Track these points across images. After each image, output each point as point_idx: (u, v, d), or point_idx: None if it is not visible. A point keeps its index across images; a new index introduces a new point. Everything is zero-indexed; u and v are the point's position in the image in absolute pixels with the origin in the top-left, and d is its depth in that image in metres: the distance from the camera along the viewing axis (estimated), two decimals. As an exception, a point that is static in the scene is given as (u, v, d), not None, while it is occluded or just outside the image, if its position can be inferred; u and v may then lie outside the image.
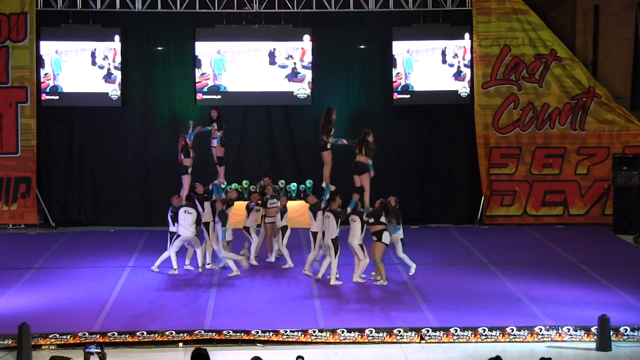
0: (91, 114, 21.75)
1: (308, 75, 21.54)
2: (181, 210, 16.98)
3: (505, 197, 21.95)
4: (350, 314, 14.66)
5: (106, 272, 17.21)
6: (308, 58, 21.49)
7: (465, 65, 21.70)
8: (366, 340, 13.61)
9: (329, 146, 17.50)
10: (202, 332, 13.60)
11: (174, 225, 17.22)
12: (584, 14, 22.17)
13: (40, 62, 21.18)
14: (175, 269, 17.16)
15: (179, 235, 17.01)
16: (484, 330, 13.70)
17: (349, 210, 16.45)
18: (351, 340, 13.61)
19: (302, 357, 10.43)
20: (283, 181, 21.76)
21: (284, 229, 17.96)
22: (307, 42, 21.46)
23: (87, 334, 13.39)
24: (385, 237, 16.26)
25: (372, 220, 16.25)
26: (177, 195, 17.71)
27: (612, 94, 21.88)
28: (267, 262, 18.04)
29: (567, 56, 21.81)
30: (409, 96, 21.77)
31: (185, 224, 16.93)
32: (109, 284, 16.36)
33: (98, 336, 13.32)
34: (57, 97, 21.33)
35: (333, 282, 16.38)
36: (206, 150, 19.15)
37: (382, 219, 16.26)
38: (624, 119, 21.81)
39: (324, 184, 17.46)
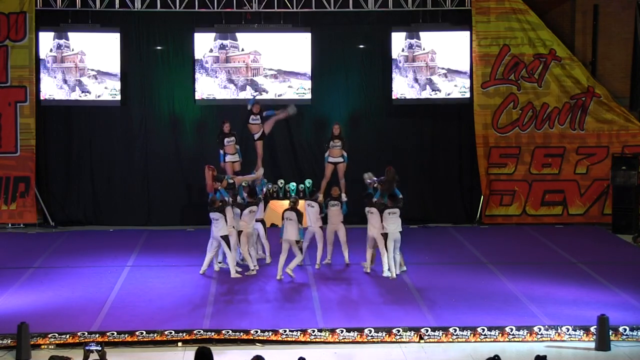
0: (90, 113, 21.74)
1: (307, 74, 21.53)
2: (210, 214, 16.87)
3: (504, 197, 21.94)
4: (349, 314, 14.66)
5: (105, 272, 17.19)
6: (307, 58, 21.49)
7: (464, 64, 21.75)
8: (365, 340, 13.60)
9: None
10: (202, 331, 13.59)
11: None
12: (583, 14, 22.17)
13: (39, 62, 21.18)
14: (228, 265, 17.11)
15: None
16: (483, 330, 13.70)
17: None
18: (350, 340, 13.60)
19: (304, 359, 10.34)
20: (282, 181, 21.77)
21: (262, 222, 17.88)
22: (306, 41, 21.47)
23: (86, 333, 13.39)
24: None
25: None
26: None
27: (611, 93, 21.88)
28: (265, 262, 17.96)
29: (566, 56, 21.81)
30: (408, 96, 21.77)
31: (215, 223, 16.85)
32: (108, 284, 16.34)
33: (97, 336, 13.30)
34: (56, 97, 21.34)
35: (385, 273, 16.68)
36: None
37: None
38: (623, 118, 21.81)
39: None
